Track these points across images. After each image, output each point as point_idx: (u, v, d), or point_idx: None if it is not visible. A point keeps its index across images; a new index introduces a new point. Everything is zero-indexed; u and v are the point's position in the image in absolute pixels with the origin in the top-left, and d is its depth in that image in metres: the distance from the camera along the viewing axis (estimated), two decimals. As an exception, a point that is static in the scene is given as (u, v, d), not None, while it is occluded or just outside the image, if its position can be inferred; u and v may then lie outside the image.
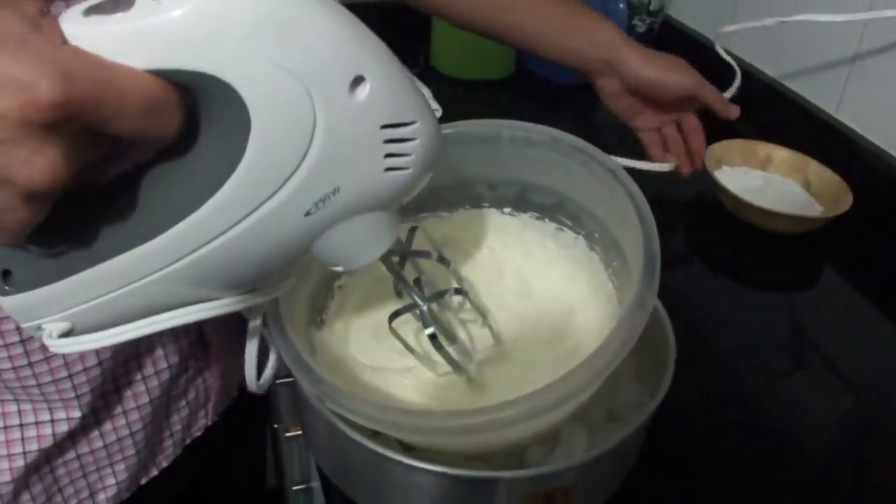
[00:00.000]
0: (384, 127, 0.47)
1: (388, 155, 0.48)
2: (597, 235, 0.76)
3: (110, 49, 0.39)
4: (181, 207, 0.45)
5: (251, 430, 1.09)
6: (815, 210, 1.16)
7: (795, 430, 0.84)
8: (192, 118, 0.43)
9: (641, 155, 1.15)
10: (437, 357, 0.67)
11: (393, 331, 0.66)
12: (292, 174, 0.45)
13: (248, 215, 0.45)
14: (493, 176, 0.80)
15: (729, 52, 1.27)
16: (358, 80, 0.45)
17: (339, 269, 0.56)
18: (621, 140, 1.21)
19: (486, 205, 0.82)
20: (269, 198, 0.45)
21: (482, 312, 0.71)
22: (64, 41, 0.39)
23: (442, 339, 0.66)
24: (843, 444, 0.85)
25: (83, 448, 0.77)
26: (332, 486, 0.73)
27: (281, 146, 0.44)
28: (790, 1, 1.26)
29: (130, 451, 0.79)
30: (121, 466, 0.79)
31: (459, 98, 1.46)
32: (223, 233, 0.46)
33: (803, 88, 1.30)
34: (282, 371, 1.04)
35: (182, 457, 0.87)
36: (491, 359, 0.72)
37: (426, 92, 1.40)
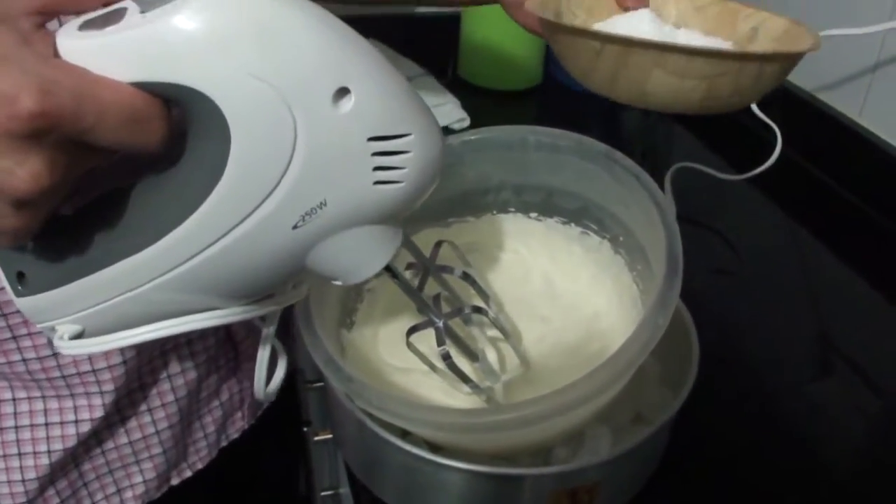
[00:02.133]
0: (372, 139, 0.46)
1: (378, 168, 0.47)
2: (621, 239, 0.77)
3: (98, 62, 0.40)
4: (170, 219, 0.45)
5: (289, 435, 1.09)
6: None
7: (820, 434, 0.84)
8: (181, 130, 0.44)
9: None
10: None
11: (411, 346, 0.66)
12: (275, 187, 0.45)
13: (233, 228, 0.45)
14: (519, 181, 0.80)
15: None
16: (342, 92, 0.44)
17: (338, 283, 0.55)
18: (647, 149, 1.22)
19: (512, 210, 0.83)
20: (253, 211, 0.45)
21: (505, 332, 0.70)
22: (55, 55, 0.41)
23: (461, 358, 0.66)
24: (870, 447, 0.85)
25: (108, 445, 0.77)
26: (362, 491, 0.74)
27: (262, 159, 0.44)
28: (812, 18, 1.28)
29: (157, 450, 0.80)
30: (148, 465, 0.80)
31: (487, 108, 1.47)
32: (211, 245, 0.46)
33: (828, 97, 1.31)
34: (310, 375, 1.06)
35: (218, 460, 0.88)
36: (519, 378, 0.72)
37: (454, 101, 1.42)
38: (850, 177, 1.23)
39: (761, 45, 0.76)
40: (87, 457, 0.77)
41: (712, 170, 1.20)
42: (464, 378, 0.65)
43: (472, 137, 0.77)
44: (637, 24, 0.74)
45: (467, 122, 1.39)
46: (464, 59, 1.58)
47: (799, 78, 1.34)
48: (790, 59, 0.68)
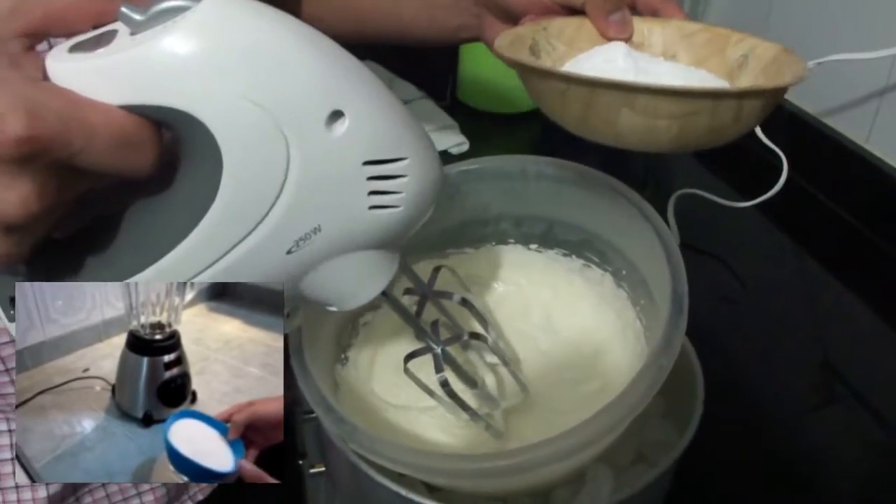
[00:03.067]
0: (367, 163, 0.46)
1: (373, 192, 0.47)
2: (624, 272, 0.75)
3: (87, 84, 0.39)
4: (162, 244, 0.44)
5: (287, 466, 1.08)
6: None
7: (828, 469, 0.83)
8: (172, 153, 0.43)
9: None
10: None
11: (409, 372, 0.65)
12: (268, 212, 0.44)
13: (226, 253, 0.45)
14: (519, 212, 0.79)
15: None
16: (336, 115, 0.43)
17: (333, 308, 0.54)
18: (650, 175, 1.20)
19: (512, 241, 0.81)
20: (245, 236, 0.44)
21: (505, 359, 0.69)
22: (45, 77, 0.40)
23: (459, 385, 0.65)
24: (877, 480, 0.83)
25: None
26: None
27: (254, 183, 0.43)
28: (821, 43, 1.26)
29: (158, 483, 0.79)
30: (149, 497, 0.80)
31: (487, 131, 1.45)
32: (202, 270, 0.45)
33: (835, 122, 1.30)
34: (307, 406, 1.04)
35: (218, 491, 0.86)
36: (519, 405, 0.71)
37: (453, 125, 1.40)
38: (858, 203, 1.22)
39: (751, 73, 0.73)
40: (87, 489, 0.77)
41: (716, 196, 1.18)
42: (463, 405, 0.64)
43: (471, 167, 0.75)
44: (612, 59, 0.71)
45: (466, 146, 1.37)
46: (462, 82, 1.56)
47: (805, 103, 1.33)
48: (771, 95, 0.64)
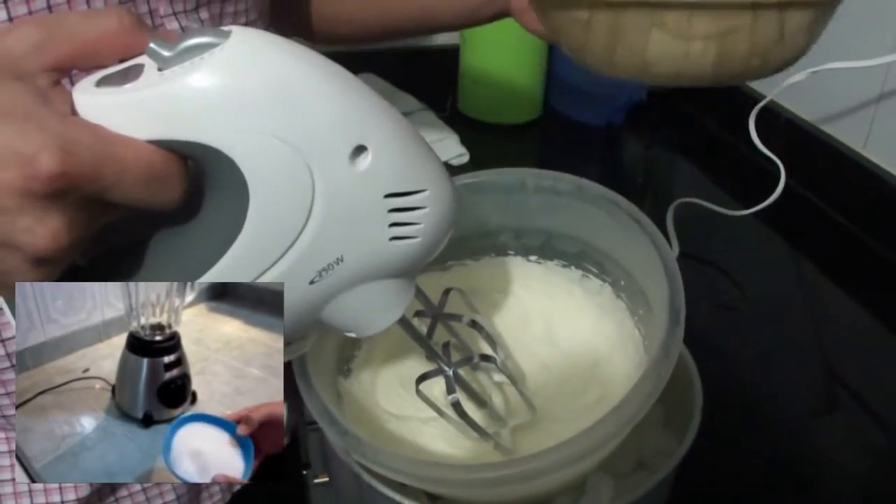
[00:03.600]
0: (388, 196, 0.47)
1: (394, 224, 0.48)
2: (623, 283, 0.75)
3: (115, 119, 0.40)
4: (187, 274, 0.45)
5: (291, 477, 1.09)
6: None
7: (828, 474, 0.83)
8: (197, 187, 0.44)
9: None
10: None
11: (420, 394, 0.65)
12: (293, 244, 0.45)
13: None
14: (519, 224, 0.79)
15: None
16: (359, 150, 0.44)
17: (352, 335, 0.55)
18: (649, 184, 1.20)
19: (511, 253, 0.82)
20: (270, 267, 0.45)
21: (513, 379, 0.70)
22: (73, 112, 0.41)
23: (470, 405, 0.65)
24: (877, 485, 0.84)
25: (122, 493, 0.78)
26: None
27: (280, 216, 0.44)
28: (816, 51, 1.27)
29: (170, 497, 0.80)
30: None
31: (487, 142, 1.46)
32: None
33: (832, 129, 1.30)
34: (310, 417, 1.04)
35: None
36: (526, 422, 0.71)
37: (453, 136, 1.41)
38: (856, 209, 1.22)
39: None
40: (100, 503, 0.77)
41: (715, 205, 1.19)
42: (473, 425, 0.64)
43: (471, 180, 0.76)
44: None
45: (466, 158, 1.38)
46: (463, 93, 1.57)
47: (802, 110, 1.33)
48: (816, 7, 0.57)
